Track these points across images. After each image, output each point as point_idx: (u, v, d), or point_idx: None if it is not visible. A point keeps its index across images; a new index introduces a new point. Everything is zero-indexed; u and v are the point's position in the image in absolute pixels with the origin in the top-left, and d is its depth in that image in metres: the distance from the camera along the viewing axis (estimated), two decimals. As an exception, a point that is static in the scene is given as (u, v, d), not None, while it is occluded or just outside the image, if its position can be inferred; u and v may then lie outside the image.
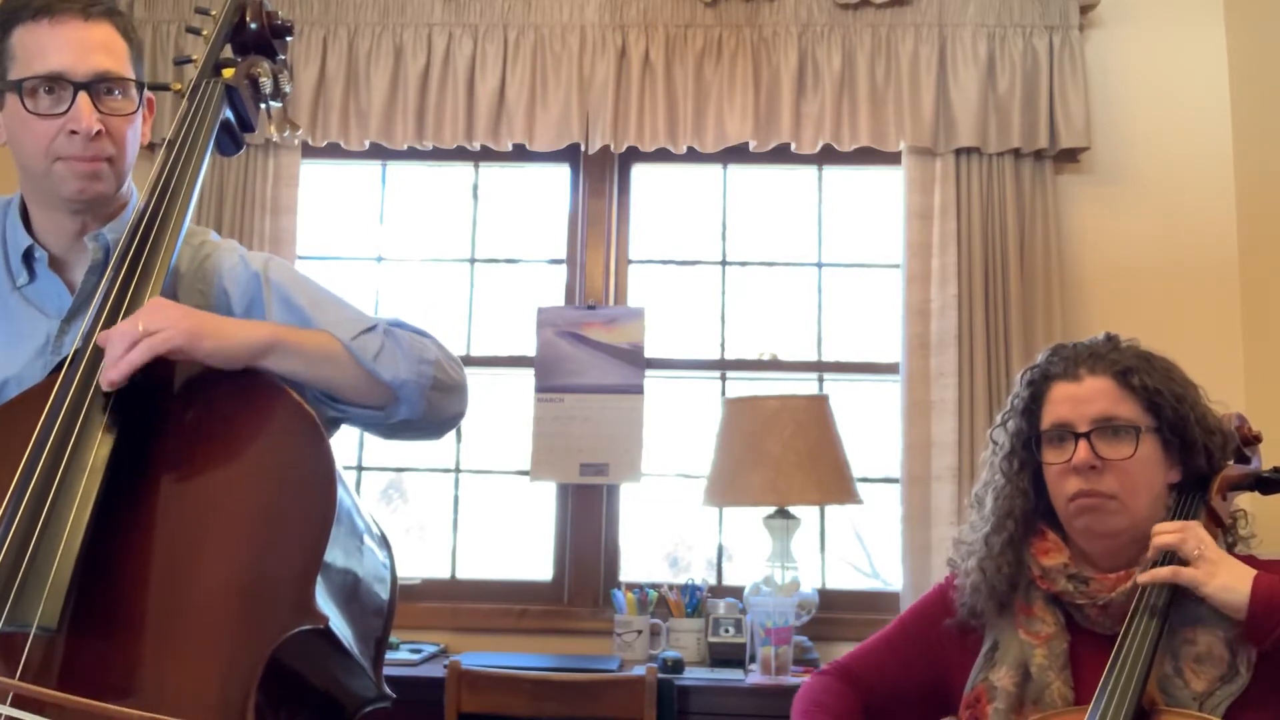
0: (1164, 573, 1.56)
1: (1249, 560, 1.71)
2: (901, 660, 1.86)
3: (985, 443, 1.89)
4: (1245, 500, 1.81)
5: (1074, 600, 1.69)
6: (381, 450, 3.80)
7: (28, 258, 1.57)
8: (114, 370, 1.32)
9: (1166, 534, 1.59)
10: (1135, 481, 1.67)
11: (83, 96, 1.46)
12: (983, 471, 1.87)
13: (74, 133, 1.46)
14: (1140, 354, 1.75)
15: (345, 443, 3.72)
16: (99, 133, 1.47)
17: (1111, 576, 1.67)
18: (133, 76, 1.53)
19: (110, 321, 1.38)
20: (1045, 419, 1.74)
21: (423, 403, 1.54)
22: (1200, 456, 1.70)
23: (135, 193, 1.60)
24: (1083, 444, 1.67)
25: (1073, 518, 1.70)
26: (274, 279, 1.60)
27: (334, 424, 1.58)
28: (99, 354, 1.34)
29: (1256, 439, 1.82)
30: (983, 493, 1.85)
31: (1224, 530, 1.74)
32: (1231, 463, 1.75)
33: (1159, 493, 1.70)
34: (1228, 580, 1.52)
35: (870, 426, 3.66)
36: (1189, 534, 1.58)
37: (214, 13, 1.68)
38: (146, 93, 1.58)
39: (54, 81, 1.46)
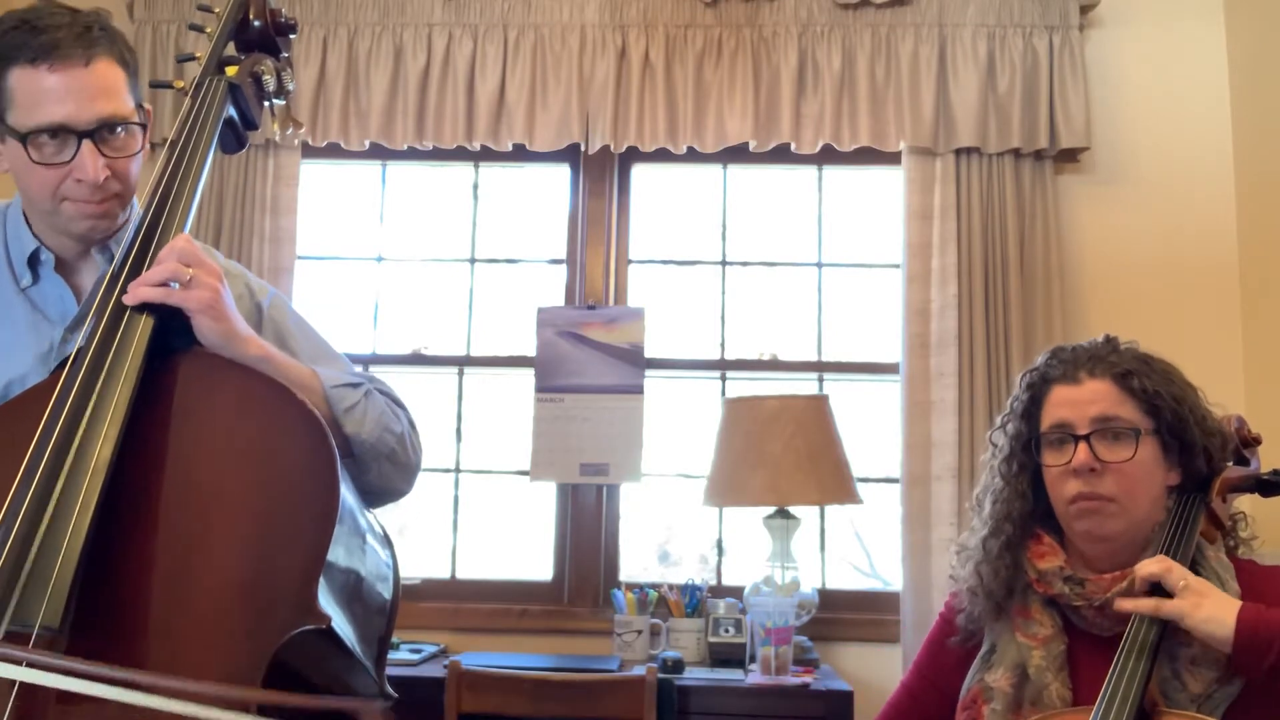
0: (1147, 603, 1.54)
1: (1249, 565, 1.71)
2: (919, 700, 1.87)
3: (985, 445, 1.89)
4: (1245, 503, 1.81)
5: (1071, 602, 1.69)
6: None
7: (33, 260, 1.57)
8: (139, 291, 1.35)
9: (1151, 564, 1.57)
10: (1135, 484, 1.66)
11: (87, 145, 1.46)
12: (982, 474, 1.87)
13: (80, 180, 1.47)
14: (1139, 356, 1.74)
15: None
16: (105, 177, 1.48)
17: (1107, 577, 1.66)
18: (134, 111, 1.53)
19: (111, 324, 1.37)
20: (1045, 421, 1.74)
21: (373, 466, 1.59)
22: (1200, 458, 1.70)
23: (136, 204, 1.61)
24: (1082, 446, 1.67)
25: (1072, 520, 1.70)
26: (275, 318, 1.66)
27: None
28: (102, 354, 1.34)
29: (1256, 441, 1.81)
30: (982, 496, 1.85)
31: (1224, 533, 1.74)
32: (1231, 464, 1.75)
33: (1158, 495, 1.69)
34: (1212, 612, 1.50)
35: (870, 426, 3.66)
36: (1175, 564, 1.56)
37: (217, 10, 1.68)
38: (145, 105, 1.57)
39: (57, 130, 1.45)
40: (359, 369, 1.71)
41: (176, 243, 1.41)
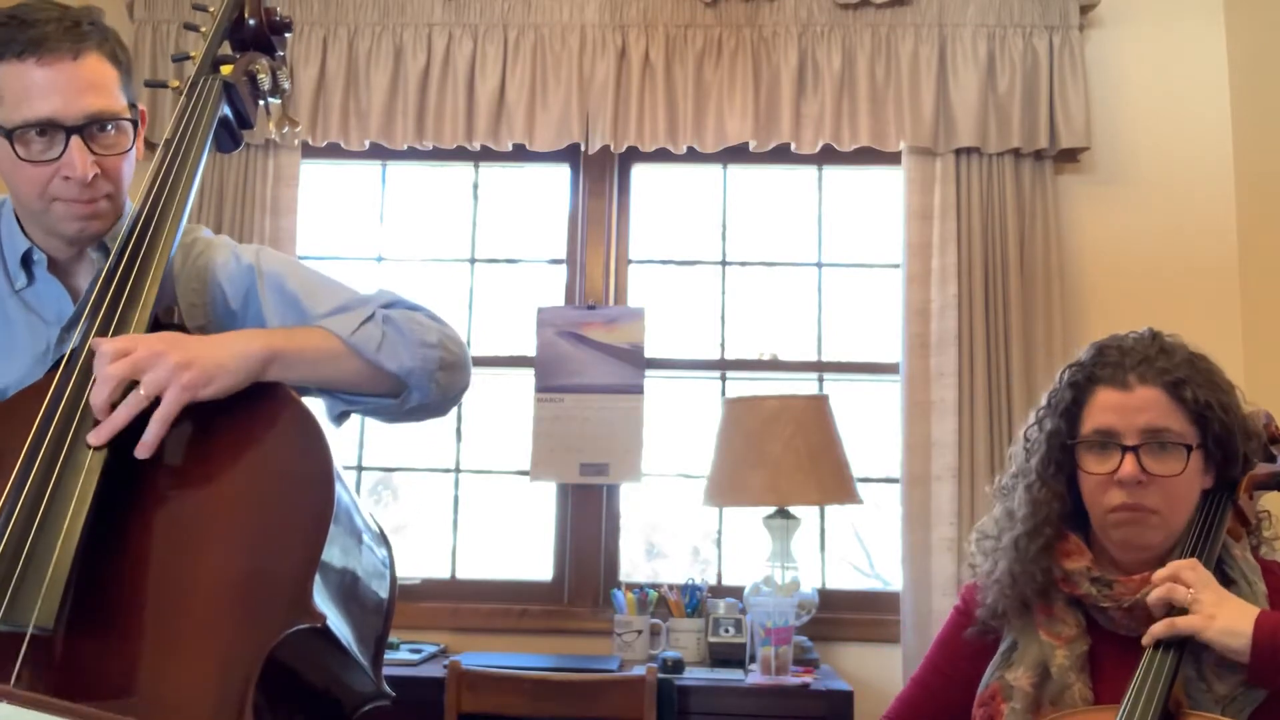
0: (1159, 627, 1.51)
1: (1273, 566, 1.69)
2: (936, 694, 1.84)
3: (1006, 440, 1.84)
4: (1269, 501, 1.79)
5: (1097, 603, 1.65)
6: (380, 450, 3.80)
7: (26, 261, 1.55)
8: (102, 433, 1.28)
9: (1157, 590, 1.54)
10: (1178, 497, 1.62)
11: (76, 142, 1.41)
12: (1010, 465, 1.82)
13: (69, 178, 1.43)
14: (1187, 358, 1.68)
15: (344, 441, 3.72)
16: (95, 175, 1.44)
17: (1136, 579, 1.62)
18: (125, 108, 1.49)
19: (106, 323, 1.38)
20: (1087, 423, 1.67)
21: (432, 385, 1.54)
22: (1238, 465, 1.66)
23: (129, 202, 1.58)
24: (1129, 457, 1.60)
25: (1110, 529, 1.65)
26: (267, 270, 1.59)
27: (344, 415, 1.57)
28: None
29: None
30: (1009, 487, 1.79)
31: (1249, 530, 1.71)
32: (1258, 461, 1.72)
33: (1194, 502, 1.66)
34: (1227, 624, 1.48)
35: (870, 426, 3.66)
36: (1180, 575, 1.53)
37: (212, 9, 1.67)
38: (139, 105, 1.54)
39: (45, 126, 1.41)
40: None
41: (109, 364, 1.30)
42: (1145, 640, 1.53)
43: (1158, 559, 1.63)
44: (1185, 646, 1.52)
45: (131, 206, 1.55)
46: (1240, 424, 1.66)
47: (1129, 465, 1.60)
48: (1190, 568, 1.55)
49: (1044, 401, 1.77)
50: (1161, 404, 1.63)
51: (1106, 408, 1.66)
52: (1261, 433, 1.73)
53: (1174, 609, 1.53)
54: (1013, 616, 1.73)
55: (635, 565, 3.80)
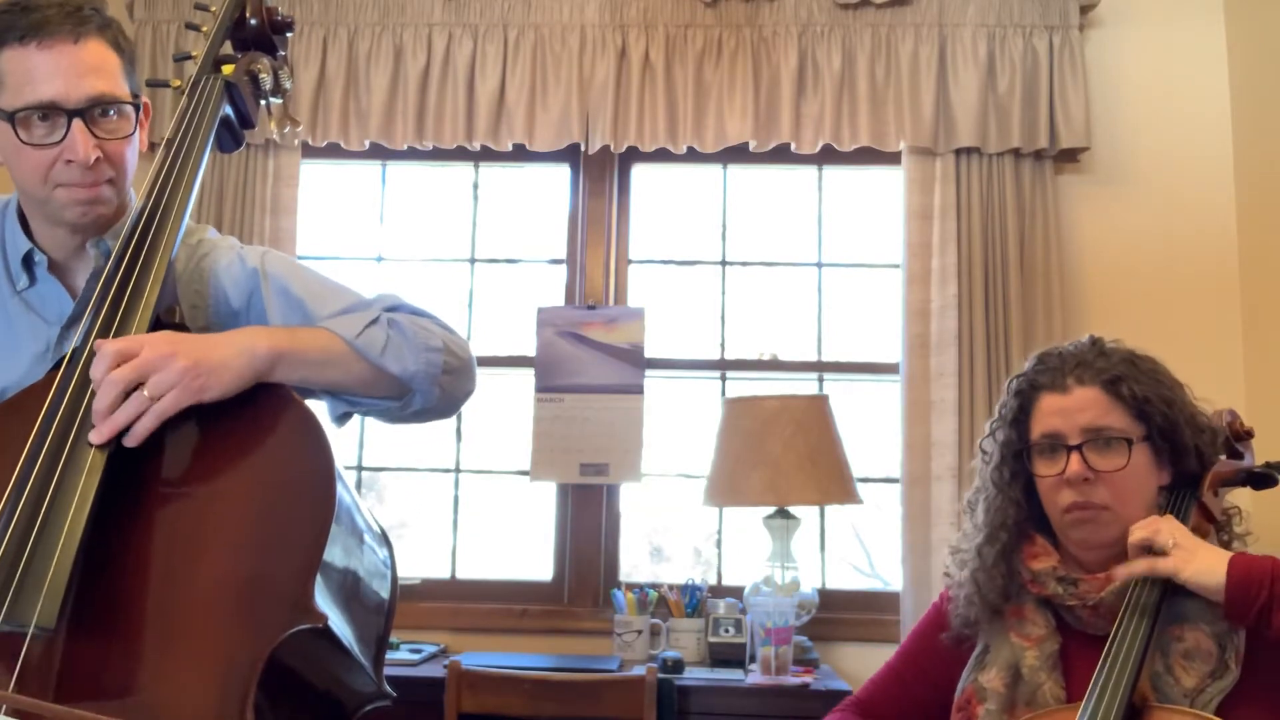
0: (1140, 565, 1.57)
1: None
2: (908, 686, 1.87)
3: (975, 451, 1.89)
4: (1241, 498, 1.81)
5: (1064, 602, 1.69)
6: (380, 450, 3.80)
7: (27, 262, 1.55)
8: (103, 431, 1.29)
9: (1140, 530, 1.60)
10: (1128, 491, 1.67)
11: (77, 124, 1.42)
12: (974, 479, 1.87)
13: (71, 161, 1.43)
14: (1126, 358, 1.74)
15: (345, 442, 3.72)
16: (97, 159, 1.44)
17: (1101, 576, 1.67)
18: (128, 94, 1.49)
19: (108, 323, 1.37)
20: (1034, 430, 1.74)
21: (435, 389, 1.56)
22: (1191, 458, 1.70)
23: (134, 197, 1.57)
24: (1074, 456, 1.67)
25: (1067, 529, 1.70)
26: (272, 272, 1.59)
27: (346, 416, 1.57)
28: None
29: (1248, 434, 1.81)
30: (974, 500, 1.85)
31: (1217, 527, 1.74)
32: (1224, 459, 1.75)
33: (1151, 498, 1.70)
34: (1203, 564, 1.53)
35: (870, 426, 3.66)
36: (1161, 525, 1.59)
37: (214, 9, 1.67)
38: (142, 98, 1.54)
39: (47, 110, 1.42)
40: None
41: (114, 369, 1.30)
42: (1120, 573, 1.59)
43: (1118, 556, 1.66)
44: (1150, 640, 1.54)
45: (135, 203, 1.55)
46: (1187, 418, 1.71)
47: (1074, 464, 1.67)
48: (1169, 520, 1.60)
49: (995, 413, 1.84)
50: (1100, 402, 1.69)
51: (1050, 411, 1.72)
52: (1221, 429, 1.77)
53: (1153, 552, 1.57)
54: (984, 622, 1.77)
55: (635, 565, 3.80)
